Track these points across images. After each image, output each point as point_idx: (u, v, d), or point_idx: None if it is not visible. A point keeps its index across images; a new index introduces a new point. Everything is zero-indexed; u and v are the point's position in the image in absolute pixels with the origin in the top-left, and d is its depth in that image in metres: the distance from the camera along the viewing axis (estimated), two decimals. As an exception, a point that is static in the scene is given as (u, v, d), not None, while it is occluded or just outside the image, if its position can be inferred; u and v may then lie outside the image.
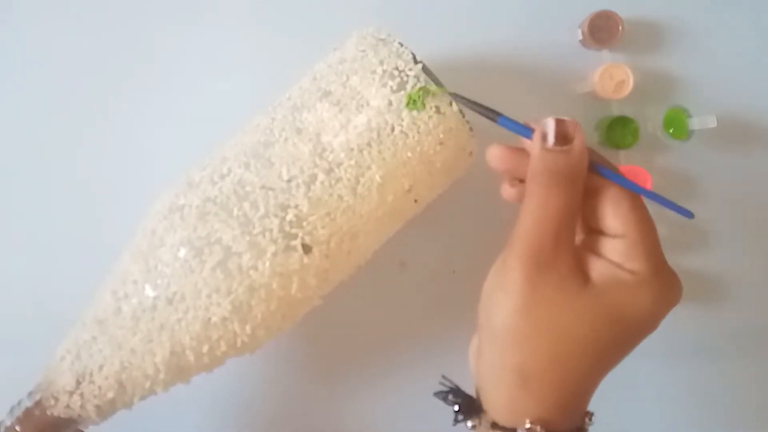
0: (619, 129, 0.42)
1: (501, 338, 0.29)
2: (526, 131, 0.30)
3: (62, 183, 0.43)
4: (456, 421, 0.31)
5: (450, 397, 0.32)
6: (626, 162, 0.43)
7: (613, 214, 0.29)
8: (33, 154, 0.43)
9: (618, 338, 0.29)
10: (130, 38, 0.43)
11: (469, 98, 0.32)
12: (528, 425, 0.28)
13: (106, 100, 0.43)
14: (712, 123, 0.41)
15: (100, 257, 0.35)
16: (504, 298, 0.29)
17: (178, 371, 0.33)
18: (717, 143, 0.43)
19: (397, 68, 0.33)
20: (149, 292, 0.32)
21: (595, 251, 0.30)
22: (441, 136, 0.34)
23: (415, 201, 0.35)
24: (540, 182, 0.29)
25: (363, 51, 0.34)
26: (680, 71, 0.44)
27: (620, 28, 0.42)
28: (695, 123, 0.42)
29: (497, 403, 0.30)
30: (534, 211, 0.29)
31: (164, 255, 0.33)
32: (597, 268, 0.29)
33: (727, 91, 0.43)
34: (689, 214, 0.30)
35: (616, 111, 0.43)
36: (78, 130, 0.43)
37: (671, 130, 0.42)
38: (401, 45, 0.34)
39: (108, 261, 0.35)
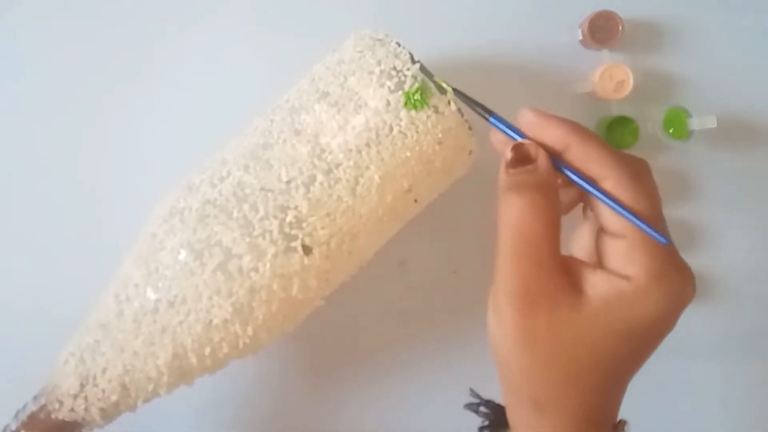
0: (619, 129, 0.42)
1: (509, 373, 0.28)
2: (517, 134, 0.30)
3: (62, 185, 0.43)
4: (481, 430, 0.31)
5: (481, 409, 0.32)
6: (626, 162, 0.43)
7: (610, 213, 0.27)
8: (33, 155, 0.43)
9: (628, 350, 0.28)
10: (130, 40, 0.44)
11: (466, 94, 0.31)
12: None
13: (106, 102, 0.43)
14: (712, 123, 0.41)
15: (101, 260, 0.35)
16: (502, 336, 0.28)
17: (181, 373, 0.33)
18: (717, 143, 0.43)
19: (394, 68, 0.33)
20: (150, 295, 0.33)
21: (598, 255, 0.29)
22: (440, 135, 0.34)
23: (415, 201, 0.35)
24: (509, 202, 0.28)
25: (360, 52, 0.34)
26: (680, 71, 0.44)
27: (620, 28, 0.42)
28: (695, 123, 0.42)
29: (520, 427, 0.29)
30: (509, 237, 0.28)
31: (165, 258, 0.33)
32: (593, 284, 0.27)
33: (727, 91, 0.43)
34: (665, 241, 0.27)
35: (616, 111, 0.43)
36: (78, 132, 0.43)
37: (671, 130, 0.42)
38: (399, 45, 0.34)
39: (109, 263, 0.35)
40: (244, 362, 0.35)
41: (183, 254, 0.33)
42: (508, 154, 0.29)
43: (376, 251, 0.37)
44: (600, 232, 0.29)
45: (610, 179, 0.27)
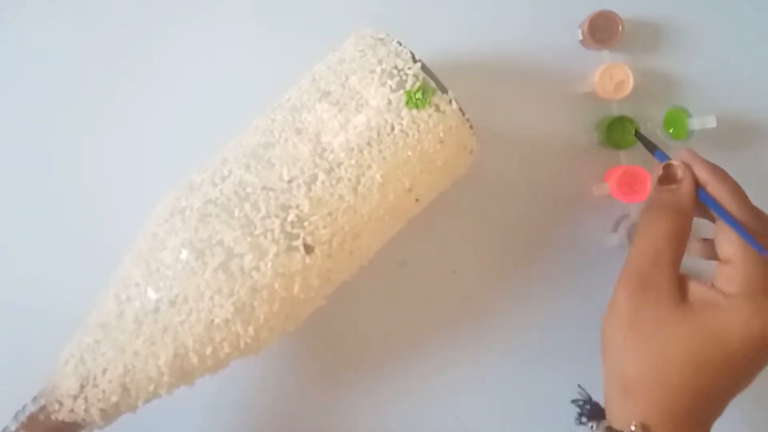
0: (619, 129, 0.42)
1: (609, 352, 0.33)
2: (665, 158, 0.36)
3: (62, 184, 0.43)
4: (578, 422, 0.35)
5: (583, 403, 0.35)
6: (626, 162, 0.43)
7: (726, 242, 0.32)
8: (33, 155, 0.43)
9: (712, 358, 0.31)
10: (130, 39, 0.44)
11: (645, 135, 0.39)
12: (633, 427, 0.31)
13: (106, 102, 0.43)
14: (712, 123, 0.41)
15: (101, 259, 0.34)
16: (611, 316, 0.33)
17: (182, 374, 0.33)
18: (717, 143, 0.43)
19: (395, 67, 0.33)
20: (151, 294, 0.33)
21: (705, 278, 0.33)
22: (441, 134, 0.34)
23: (417, 200, 0.36)
24: (645, 214, 0.34)
25: (361, 51, 0.34)
26: (680, 71, 0.44)
27: (620, 28, 0.42)
28: (695, 123, 0.42)
29: (611, 410, 0.33)
30: (638, 239, 0.33)
31: (166, 257, 0.33)
32: (695, 292, 0.32)
33: (727, 91, 0.44)
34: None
35: (616, 111, 0.43)
36: (78, 131, 0.43)
37: (671, 130, 0.43)
38: (400, 44, 0.34)
39: (109, 263, 0.35)
40: (245, 362, 0.35)
41: (184, 253, 0.32)
42: (659, 171, 0.35)
43: (377, 251, 0.37)
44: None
45: (736, 213, 0.33)
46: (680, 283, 0.32)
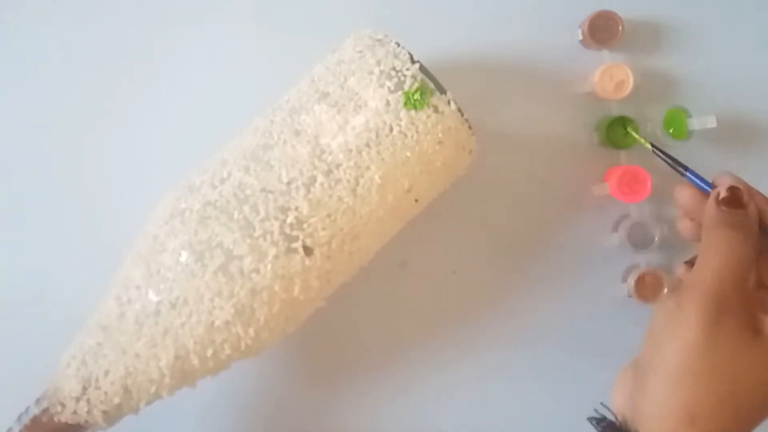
0: (619, 129, 0.42)
1: (674, 377, 0.30)
2: (707, 186, 0.34)
3: (62, 185, 0.43)
4: None
5: (602, 425, 0.33)
6: (626, 162, 0.43)
7: None
8: (33, 156, 0.43)
9: None
10: (130, 40, 0.44)
11: (665, 152, 0.36)
12: None
13: (106, 102, 0.43)
14: (712, 123, 0.41)
15: (102, 261, 0.35)
16: (681, 339, 0.30)
17: (183, 375, 0.33)
18: (717, 143, 0.43)
19: (394, 68, 0.33)
20: (152, 296, 0.33)
21: (764, 308, 0.31)
22: (440, 135, 0.34)
23: (416, 201, 0.36)
24: (719, 233, 0.31)
25: (360, 52, 0.34)
26: (680, 71, 0.44)
27: (620, 28, 0.42)
28: (695, 123, 0.42)
29: None
30: (713, 259, 0.31)
31: (166, 260, 0.33)
32: (766, 322, 0.31)
33: (727, 91, 0.43)
34: None
35: (616, 111, 0.43)
36: (78, 132, 0.43)
37: (671, 130, 0.43)
38: (398, 45, 0.34)
39: (109, 264, 0.35)
40: (245, 363, 0.35)
41: (184, 256, 0.33)
42: (723, 192, 0.32)
43: (377, 251, 0.37)
44: (762, 289, 0.33)
45: None
46: (755, 312, 0.31)
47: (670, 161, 0.36)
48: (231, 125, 0.36)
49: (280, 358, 0.43)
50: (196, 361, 0.33)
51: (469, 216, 0.43)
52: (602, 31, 0.42)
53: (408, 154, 0.33)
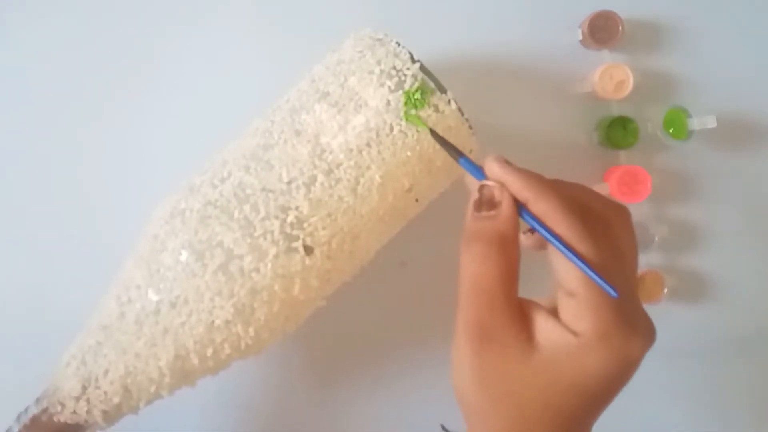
0: (619, 129, 0.42)
1: (465, 409, 0.30)
2: (480, 174, 0.30)
3: (62, 186, 0.43)
4: None
5: None
6: (626, 162, 0.43)
7: (564, 270, 0.28)
8: (33, 156, 0.43)
9: (575, 404, 0.28)
10: (129, 40, 0.44)
11: (440, 134, 0.33)
12: None
13: (106, 103, 0.43)
14: (711, 123, 0.41)
15: (102, 261, 0.35)
16: (459, 372, 0.29)
17: (183, 375, 0.33)
18: (717, 143, 0.43)
19: (394, 68, 0.33)
20: (152, 296, 0.33)
21: (554, 309, 0.29)
22: (440, 134, 0.34)
23: (416, 200, 0.36)
24: (466, 251, 0.29)
25: (360, 51, 0.34)
26: (680, 71, 0.44)
27: (620, 28, 0.42)
28: (695, 123, 0.42)
29: None
30: (466, 284, 0.29)
31: (166, 259, 0.33)
32: (544, 333, 0.28)
33: (727, 91, 0.44)
34: (614, 293, 0.28)
35: (616, 111, 0.43)
36: (77, 133, 0.43)
37: (671, 130, 0.43)
38: (398, 45, 0.34)
39: (110, 264, 0.35)
40: (246, 363, 0.35)
41: (184, 255, 0.33)
42: (475, 194, 0.30)
43: (377, 251, 0.37)
44: (557, 285, 0.30)
45: (566, 235, 0.28)
46: (524, 323, 0.28)
47: (446, 146, 0.32)
48: (231, 125, 0.36)
49: (280, 357, 0.43)
50: (196, 361, 0.33)
51: (469, 216, 0.43)
52: (602, 31, 0.42)
53: (408, 153, 0.33)
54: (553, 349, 0.28)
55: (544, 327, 0.28)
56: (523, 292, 0.29)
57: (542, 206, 0.29)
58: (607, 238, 0.29)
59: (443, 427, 0.33)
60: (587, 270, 0.27)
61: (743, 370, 0.44)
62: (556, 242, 0.28)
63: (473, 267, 0.29)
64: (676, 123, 0.42)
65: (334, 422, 0.43)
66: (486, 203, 0.30)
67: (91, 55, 0.43)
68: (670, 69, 0.44)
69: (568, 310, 0.28)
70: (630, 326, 0.28)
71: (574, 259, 0.27)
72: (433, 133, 0.33)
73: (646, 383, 0.44)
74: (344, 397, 0.43)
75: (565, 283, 0.28)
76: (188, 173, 0.36)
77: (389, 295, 0.43)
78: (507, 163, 0.30)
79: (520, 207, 0.29)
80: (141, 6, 0.44)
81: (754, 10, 0.44)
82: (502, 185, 0.29)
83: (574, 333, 0.27)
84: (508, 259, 0.29)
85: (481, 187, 0.30)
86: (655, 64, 0.44)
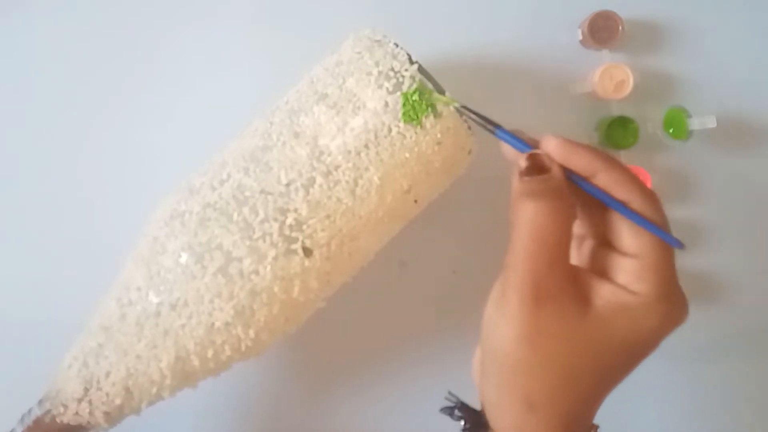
0: (619, 129, 0.42)
1: (505, 367, 0.29)
2: (524, 146, 0.30)
3: (62, 187, 0.43)
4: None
5: (456, 412, 0.32)
6: (626, 162, 0.43)
7: (629, 233, 0.29)
8: (33, 157, 0.44)
9: (620, 362, 0.29)
10: (129, 41, 0.44)
11: (471, 109, 0.32)
12: None
13: (106, 103, 0.44)
14: (711, 123, 0.41)
15: (102, 263, 0.35)
16: (505, 329, 0.28)
17: (184, 376, 0.33)
18: (717, 143, 0.43)
19: (392, 69, 0.33)
20: (153, 298, 0.33)
21: (603, 269, 0.30)
22: (439, 135, 0.34)
23: (415, 201, 0.36)
24: (522, 207, 0.29)
25: (359, 53, 0.34)
26: (680, 71, 0.44)
27: (620, 28, 0.42)
28: (695, 123, 0.42)
29: (505, 425, 0.30)
30: (525, 239, 0.28)
31: (166, 261, 0.33)
32: (600, 294, 0.29)
33: (727, 91, 0.43)
34: (679, 244, 0.29)
35: (616, 111, 0.43)
36: (77, 133, 0.44)
37: (671, 130, 0.42)
38: (397, 46, 0.34)
39: (110, 266, 0.35)
40: (246, 364, 0.35)
41: (184, 257, 0.33)
42: (522, 163, 0.30)
43: (377, 252, 0.37)
44: (606, 248, 0.30)
45: (637, 201, 0.29)
46: (579, 284, 0.29)
47: (481, 120, 0.32)
48: (231, 125, 0.36)
49: (281, 358, 0.43)
50: (196, 362, 0.33)
51: (469, 216, 0.44)
52: (602, 31, 0.42)
53: (407, 154, 0.33)
54: (611, 310, 0.28)
55: (599, 287, 0.29)
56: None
57: (613, 175, 0.29)
58: (661, 210, 0.30)
59: (450, 393, 0.32)
60: (656, 230, 0.28)
61: (743, 370, 0.44)
62: (622, 208, 0.29)
63: (540, 219, 0.28)
64: (676, 123, 0.42)
65: (334, 422, 0.44)
66: (535, 170, 0.29)
67: (91, 56, 0.44)
68: (670, 69, 0.44)
69: (626, 271, 0.29)
70: (681, 292, 0.29)
71: (643, 222, 0.28)
72: (463, 108, 0.32)
73: (647, 383, 0.44)
74: (344, 397, 0.44)
75: (625, 245, 0.29)
76: (188, 173, 0.36)
77: (389, 295, 0.43)
78: (567, 139, 0.30)
79: (576, 178, 0.30)
80: (140, 7, 0.44)
81: (754, 11, 0.44)
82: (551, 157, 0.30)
83: (633, 293, 0.28)
84: (567, 217, 0.29)
85: (532, 155, 0.30)
86: (655, 64, 0.43)
